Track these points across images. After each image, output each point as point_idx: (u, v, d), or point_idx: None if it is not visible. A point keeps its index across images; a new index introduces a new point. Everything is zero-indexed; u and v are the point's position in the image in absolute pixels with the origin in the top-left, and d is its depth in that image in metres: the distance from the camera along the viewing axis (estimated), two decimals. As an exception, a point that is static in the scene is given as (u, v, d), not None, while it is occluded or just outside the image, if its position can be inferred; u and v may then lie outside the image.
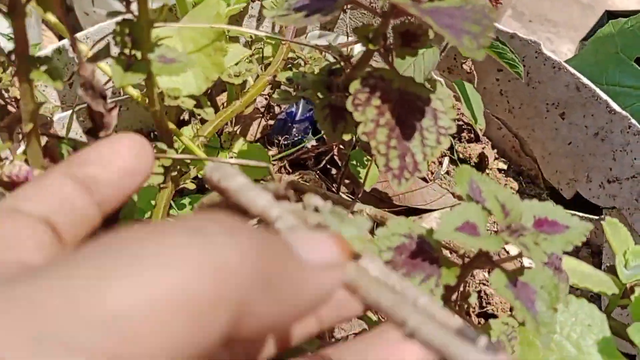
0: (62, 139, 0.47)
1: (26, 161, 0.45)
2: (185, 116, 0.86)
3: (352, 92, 0.44)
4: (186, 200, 0.71)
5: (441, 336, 0.23)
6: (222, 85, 0.84)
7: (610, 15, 1.12)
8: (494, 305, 0.76)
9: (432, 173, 0.88)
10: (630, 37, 0.90)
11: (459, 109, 0.85)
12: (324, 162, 0.86)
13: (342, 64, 0.53)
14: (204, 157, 0.54)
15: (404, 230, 0.44)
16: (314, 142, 0.89)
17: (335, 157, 0.86)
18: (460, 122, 0.90)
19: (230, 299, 0.16)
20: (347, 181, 0.85)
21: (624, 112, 0.74)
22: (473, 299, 0.47)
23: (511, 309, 0.77)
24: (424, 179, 0.86)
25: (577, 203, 0.82)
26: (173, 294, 0.15)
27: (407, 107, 0.44)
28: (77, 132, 0.74)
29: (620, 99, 0.83)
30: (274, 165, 0.83)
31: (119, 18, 0.41)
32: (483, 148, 0.89)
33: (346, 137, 0.51)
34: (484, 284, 0.80)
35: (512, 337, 0.48)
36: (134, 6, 0.42)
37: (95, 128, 0.41)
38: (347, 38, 0.95)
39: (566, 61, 0.85)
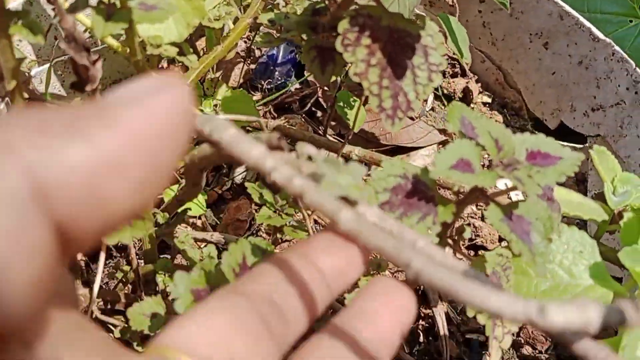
0: (44, 95, 0.46)
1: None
2: (164, 63, 0.84)
3: (341, 32, 0.43)
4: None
5: (444, 275, 0.24)
6: (201, 29, 0.82)
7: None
8: (483, 237, 0.78)
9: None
10: (612, -39, 0.89)
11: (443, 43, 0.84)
12: (309, 105, 0.85)
13: (327, 2, 0.52)
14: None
15: (399, 170, 0.44)
16: (297, 85, 0.88)
17: (320, 100, 0.85)
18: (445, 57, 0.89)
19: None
20: (333, 123, 0.84)
21: (607, 40, 0.73)
22: (467, 234, 0.48)
23: (500, 240, 0.78)
24: (410, 117, 0.86)
25: (562, 133, 0.83)
26: None
27: (398, 45, 0.43)
28: (55, 87, 0.72)
29: (602, 26, 0.83)
30: (258, 110, 0.82)
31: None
32: (467, 82, 0.89)
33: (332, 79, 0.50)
34: (472, 217, 0.82)
35: (506, 267, 0.49)
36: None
37: (80, 82, 0.40)
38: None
39: (548, -11, 0.84)
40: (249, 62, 0.88)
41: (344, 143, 0.66)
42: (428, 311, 0.71)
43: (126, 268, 0.56)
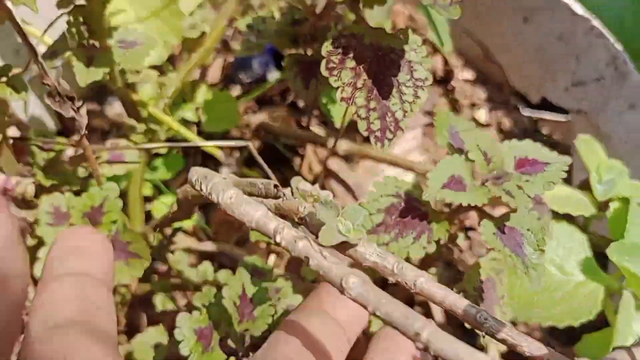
0: (30, 138, 0.45)
1: (0, 170, 0.43)
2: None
3: (325, 55, 0.43)
4: (159, 162, 0.69)
5: (450, 345, 0.25)
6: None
7: None
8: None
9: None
10: None
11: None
12: (291, 96, 0.84)
13: (305, 11, 0.51)
14: (193, 141, 0.53)
15: (391, 190, 0.45)
16: (277, 76, 0.87)
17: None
18: (425, 37, 0.88)
19: None
20: (316, 112, 0.84)
21: (586, 14, 0.73)
22: (461, 240, 0.49)
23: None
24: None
25: (545, 106, 0.84)
26: None
27: (382, 63, 0.43)
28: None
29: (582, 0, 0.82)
30: (239, 100, 0.81)
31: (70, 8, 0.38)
32: (448, 59, 0.89)
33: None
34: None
35: (499, 270, 0.51)
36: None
37: (67, 130, 0.39)
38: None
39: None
40: (226, 55, 0.87)
41: (336, 139, 0.66)
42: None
43: (124, 290, 0.56)
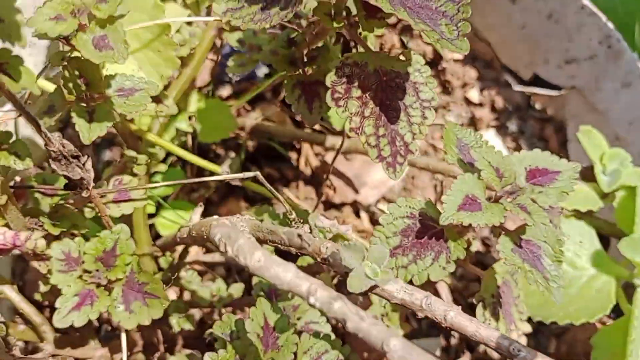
0: (32, 187, 0.44)
1: (7, 226, 0.42)
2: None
3: (329, 85, 0.42)
4: (159, 177, 0.69)
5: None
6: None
7: None
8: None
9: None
10: None
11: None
12: (283, 92, 0.83)
13: (302, 32, 0.50)
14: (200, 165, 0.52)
15: (405, 211, 0.45)
16: (266, 70, 0.85)
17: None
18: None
19: None
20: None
21: (575, -8, 0.72)
22: (474, 247, 0.50)
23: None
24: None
25: (537, 82, 0.83)
26: None
27: (388, 89, 0.42)
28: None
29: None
30: (231, 106, 0.80)
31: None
32: (436, 41, 0.88)
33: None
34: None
35: (513, 272, 0.51)
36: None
37: (74, 185, 0.39)
38: None
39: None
40: (213, 53, 0.85)
41: (343, 138, 0.65)
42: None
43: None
